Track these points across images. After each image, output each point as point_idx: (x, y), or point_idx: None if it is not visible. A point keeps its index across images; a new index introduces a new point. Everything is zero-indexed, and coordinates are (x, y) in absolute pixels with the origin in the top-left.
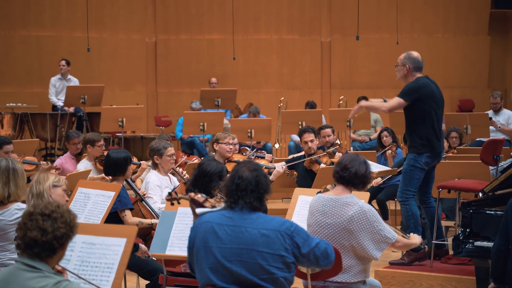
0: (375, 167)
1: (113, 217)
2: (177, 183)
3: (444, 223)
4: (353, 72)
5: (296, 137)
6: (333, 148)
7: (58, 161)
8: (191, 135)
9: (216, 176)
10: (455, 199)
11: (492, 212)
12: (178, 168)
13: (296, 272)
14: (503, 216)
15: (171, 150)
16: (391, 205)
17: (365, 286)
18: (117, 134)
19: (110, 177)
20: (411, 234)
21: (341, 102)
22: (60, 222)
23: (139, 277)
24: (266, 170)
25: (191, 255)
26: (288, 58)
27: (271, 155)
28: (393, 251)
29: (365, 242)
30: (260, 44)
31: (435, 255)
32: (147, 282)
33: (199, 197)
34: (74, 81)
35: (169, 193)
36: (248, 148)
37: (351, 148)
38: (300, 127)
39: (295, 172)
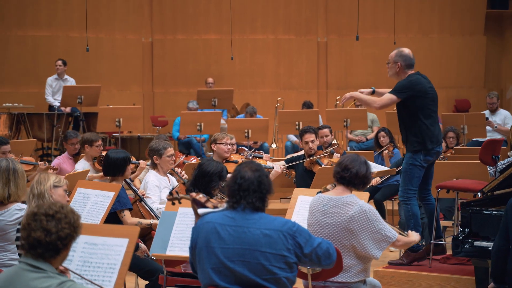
0: (374, 167)
1: (112, 217)
2: (176, 183)
3: (442, 223)
4: (350, 72)
5: (293, 137)
6: (331, 148)
7: (56, 161)
8: (188, 135)
9: (216, 176)
10: (452, 199)
11: (491, 212)
12: (176, 168)
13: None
14: (503, 216)
15: (170, 150)
16: (388, 205)
17: (365, 286)
18: (114, 134)
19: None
20: (409, 231)
21: (338, 102)
22: (64, 222)
23: (138, 277)
24: None
25: (193, 256)
26: (284, 58)
27: (268, 155)
28: (391, 251)
29: (365, 241)
30: (257, 44)
31: (433, 253)
32: (146, 282)
33: (201, 197)
34: (71, 81)
35: (171, 193)
36: (245, 148)
37: (348, 148)
38: (297, 127)
39: (293, 172)
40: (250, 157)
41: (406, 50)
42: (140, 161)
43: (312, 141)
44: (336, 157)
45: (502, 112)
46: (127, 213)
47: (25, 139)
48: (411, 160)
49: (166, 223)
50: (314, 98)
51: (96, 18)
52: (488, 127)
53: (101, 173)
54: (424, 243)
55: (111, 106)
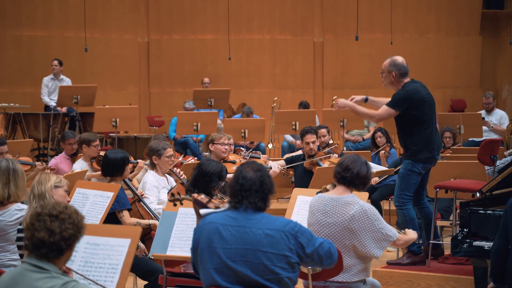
0: (373, 167)
1: (111, 217)
2: (174, 184)
3: (439, 223)
4: (345, 72)
5: (289, 137)
6: (328, 149)
7: (53, 161)
8: (185, 135)
9: (216, 176)
10: (449, 199)
11: (490, 212)
12: (175, 168)
13: None
14: (502, 216)
15: (170, 151)
16: (385, 205)
17: (365, 285)
18: (110, 134)
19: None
20: (406, 230)
21: (334, 102)
22: (67, 223)
23: (137, 277)
24: None
25: (195, 256)
26: (280, 58)
27: (265, 155)
28: (388, 251)
29: (366, 241)
30: (253, 44)
31: (431, 255)
32: (145, 282)
33: (203, 197)
34: (67, 81)
35: (172, 194)
36: (243, 149)
37: (344, 148)
38: (293, 127)
39: (291, 172)
40: (247, 158)
41: (400, 59)
42: (139, 161)
43: (313, 142)
44: (334, 157)
45: (498, 112)
46: (126, 214)
47: (21, 139)
48: (410, 166)
49: (167, 223)
50: (310, 98)
51: (92, 18)
52: (484, 127)
53: (100, 172)
54: (421, 241)
55: (107, 106)
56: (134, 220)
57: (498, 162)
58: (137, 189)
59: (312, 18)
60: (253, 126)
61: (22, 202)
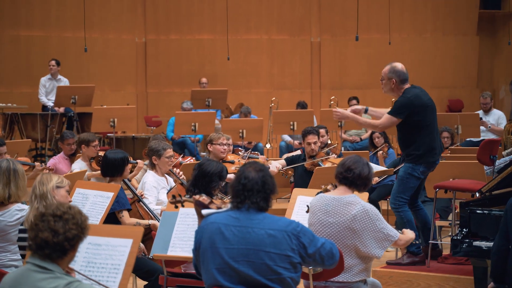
0: (373, 167)
1: (111, 217)
2: (173, 184)
3: (437, 223)
4: (343, 72)
5: (287, 137)
6: (327, 149)
7: (52, 161)
8: (182, 135)
9: (216, 177)
10: (447, 199)
11: (490, 212)
12: (174, 169)
13: None
14: (503, 216)
15: (170, 151)
16: (383, 205)
17: (366, 285)
18: (108, 135)
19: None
20: (404, 229)
21: (332, 102)
22: (71, 223)
23: (137, 277)
24: None
25: (197, 257)
26: (278, 58)
27: (264, 156)
28: (387, 251)
29: (368, 240)
30: (250, 44)
31: (430, 255)
32: (145, 282)
33: (204, 198)
34: (64, 81)
35: (173, 196)
36: (241, 149)
37: (342, 148)
38: (291, 127)
39: (289, 172)
40: (246, 158)
41: (399, 65)
42: (138, 161)
43: (315, 143)
44: (333, 157)
45: (496, 112)
46: (125, 214)
47: (19, 139)
48: (410, 170)
49: (167, 224)
50: (307, 98)
51: (89, 18)
52: (482, 127)
53: (99, 171)
54: (419, 241)
55: (105, 106)
56: (134, 220)
57: (497, 162)
58: (136, 189)
59: (310, 18)
60: (251, 126)
61: (22, 203)
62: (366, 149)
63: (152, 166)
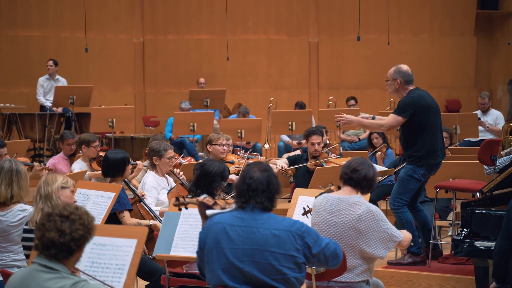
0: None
1: (112, 218)
2: (174, 184)
3: (437, 223)
4: (341, 72)
5: (285, 137)
6: (327, 149)
7: (51, 161)
8: (181, 136)
9: (219, 177)
10: (446, 199)
11: (491, 212)
12: (174, 169)
13: None
14: (505, 216)
15: (171, 152)
16: (382, 205)
17: (368, 286)
18: (106, 135)
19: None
20: (400, 230)
21: (330, 102)
22: (78, 224)
23: (138, 277)
24: None
25: (201, 257)
26: (276, 58)
27: (263, 157)
28: None
29: (372, 241)
30: (248, 44)
31: (431, 255)
32: (146, 283)
33: (208, 199)
34: (62, 81)
35: (177, 198)
36: (239, 149)
37: (341, 148)
38: (290, 127)
39: (290, 171)
40: (245, 159)
41: (404, 67)
42: (138, 162)
43: (319, 143)
44: (333, 157)
45: (494, 112)
46: (126, 214)
47: (17, 139)
48: (411, 172)
49: (170, 224)
50: (305, 98)
51: (87, 18)
52: (480, 127)
53: (100, 171)
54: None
55: (103, 107)
56: (135, 220)
57: (497, 162)
58: (136, 189)
59: (308, 18)
60: (249, 126)
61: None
62: (365, 149)
63: (153, 167)
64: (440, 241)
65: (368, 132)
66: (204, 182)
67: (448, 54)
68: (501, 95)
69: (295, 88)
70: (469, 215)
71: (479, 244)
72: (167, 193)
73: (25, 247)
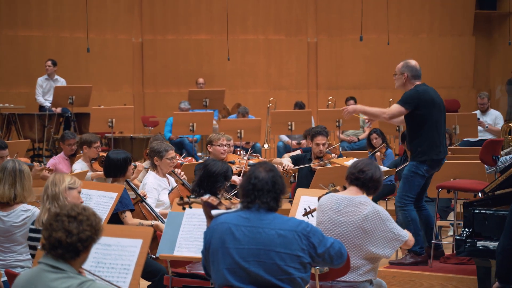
0: None
1: (113, 218)
2: (175, 184)
3: (438, 222)
4: (340, 72)
5: (285, 138)
6: (327, 149)
7: (52, 161)
8: (180, 136)
9: (222, 177)
10: (447, 199)
11: (493, 212)
12: (175, 169)
13: None
14: (507, 216)
15: (172, 153)
16: (382, 205)
17: (372, 286)
18: (106, 135)
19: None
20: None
21: (329, 102)
22: (85, 224)
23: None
24: None
25: (206, 257)
26: (275, 58)
27: (263, 158)
28: None
29: (378, 240)
30: (247, 44)
31: (433, 256)
32: (148, 283)
33: (213, 199)
34: (61, 82)
35: (181, 198)
36: (239, 149)
37: (340, 148)
38: (289, 127)
39: (290, 171)
40: (246, 159)
41: (413, 62)
42: (137, 163)
43: (324, 144)
44: (333, 157)
45: (493, 112)
46: (128, 214)
47: (16, 139)
48: (414, 168)
49: (173, 224)
50: (304, 98)
51: (87, 18)
52: (479, 127)
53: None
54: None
55: (102, 107)
56: (137, 221)
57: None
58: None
59: (306, 18)
60: (249, 126)
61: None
62: (364, 149)
63: (154, 167)
64: (441, 241)
65: (367, 132)
66: (207, 182)
67: (447, 54)
68: (500, 95)
69: (294, 88)
70: (471, 215)
71: (481, 244)
72: (168, 194)
73: (31, 247)
